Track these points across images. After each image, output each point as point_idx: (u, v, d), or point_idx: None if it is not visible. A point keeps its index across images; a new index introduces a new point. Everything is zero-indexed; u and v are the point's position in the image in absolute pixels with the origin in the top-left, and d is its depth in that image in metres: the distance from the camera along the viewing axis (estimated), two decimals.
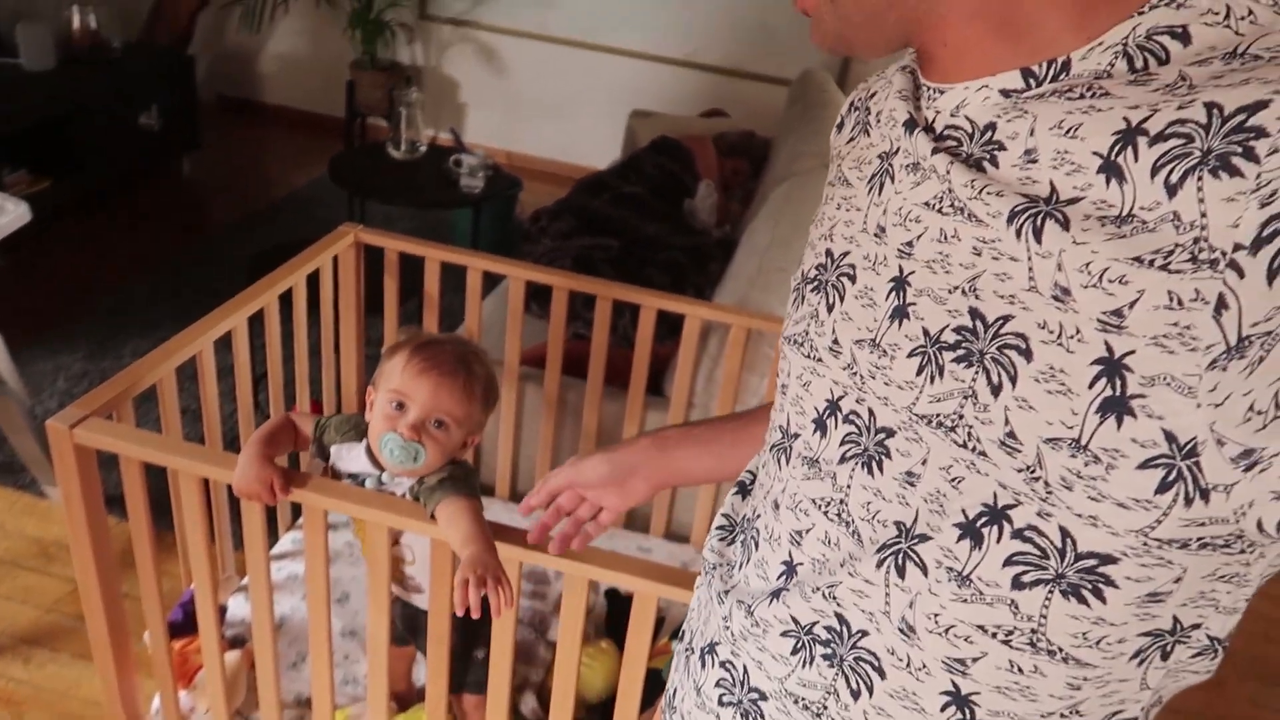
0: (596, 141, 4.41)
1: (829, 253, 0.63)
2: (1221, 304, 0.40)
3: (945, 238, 0.52)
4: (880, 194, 0.58)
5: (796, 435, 0.64)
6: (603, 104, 4.39)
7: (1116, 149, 0.44)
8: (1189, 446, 0.43)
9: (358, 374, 2.01)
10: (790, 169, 2.72)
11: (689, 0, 4.14)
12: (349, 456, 1.29)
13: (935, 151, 0.53)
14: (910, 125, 0.56)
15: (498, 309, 2.38)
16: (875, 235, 0.58)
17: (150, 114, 3.81)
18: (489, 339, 2.13)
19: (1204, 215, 0.41)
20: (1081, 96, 0.47)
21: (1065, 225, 0.45)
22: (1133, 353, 0.43)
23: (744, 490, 0.80)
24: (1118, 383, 0.44)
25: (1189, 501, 0.44)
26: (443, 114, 4.61)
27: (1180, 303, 0.41)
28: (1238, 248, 0.39)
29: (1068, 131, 0.46)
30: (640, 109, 3.99)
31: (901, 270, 0.55)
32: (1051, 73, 0.49)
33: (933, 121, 0.55)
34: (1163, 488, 0.44)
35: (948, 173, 0.52)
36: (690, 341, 1.75)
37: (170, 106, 3.88)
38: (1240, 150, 0.40)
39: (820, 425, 0.61)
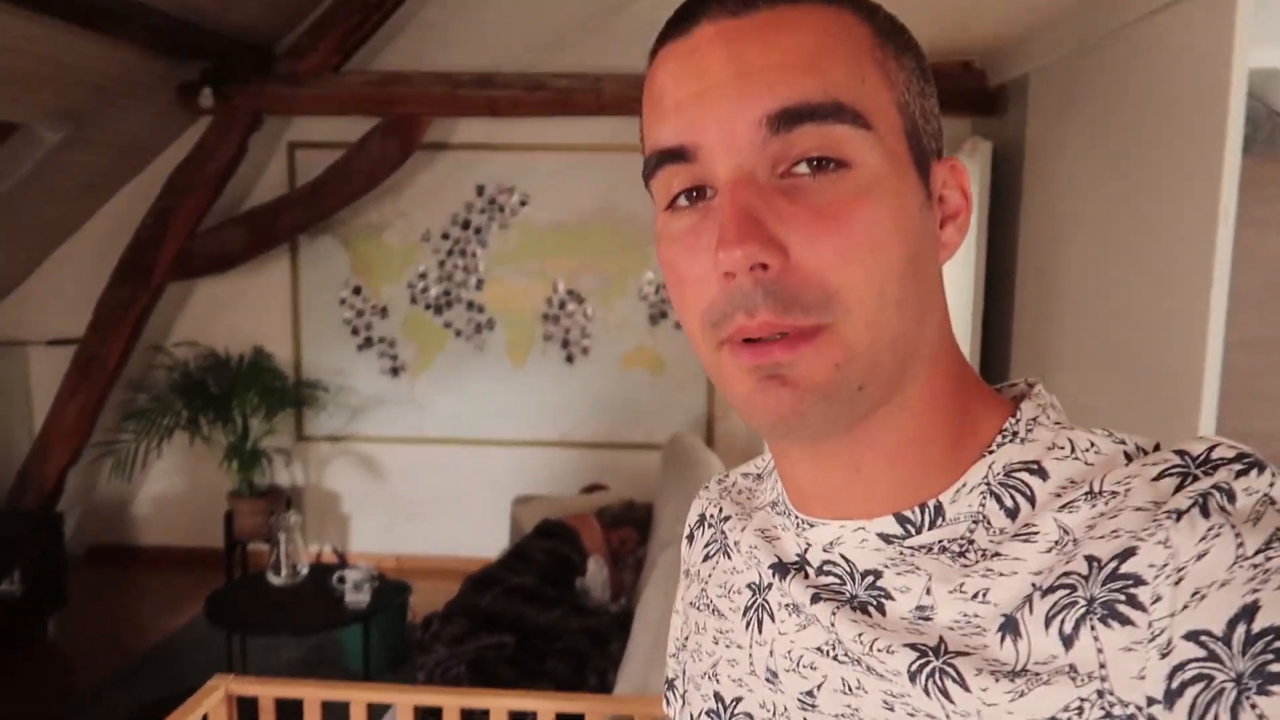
0: (483, 531, 4.42)
1: (718, 696, 0.58)
2: None
3: (849, 689, 0.49)
4: (761, 632, 0.55)
5: None
6: (485, 494, 4.47)
7: (1018, 608, 0.44)
8: None
9: None
10: (674, 532, 2.77)
11: (556, 387, 4.42)
12: None
13: (815, 600, 0.50)
14: (780, 570, 0.54)
15: None
16: (768, 681, 0.54)
17: (11, 579, 3.64)
18: None
19: (1103, 666, 0.40)
20: (977, 561, 0.46)
21: (963, 684, 0.44)
22: None
23: None
24: None
25: None
26: (326, 529, 4.58)
27: None
28: (1151, 701, 0.39)
29: (974, 595, 0.45)
30: (522, 494, 4.08)
31: None
32: (927, 519, 0.48)
33: (805, 553, 0.53)
34: None
35: (832, 624, 0.49)
36: None
37: (35, 568, 3.73)
38: (1124, 598, 0.40)
39: None
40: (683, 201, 0.48)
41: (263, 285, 4.46)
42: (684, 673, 0.64)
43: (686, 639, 0.65)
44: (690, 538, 0.68)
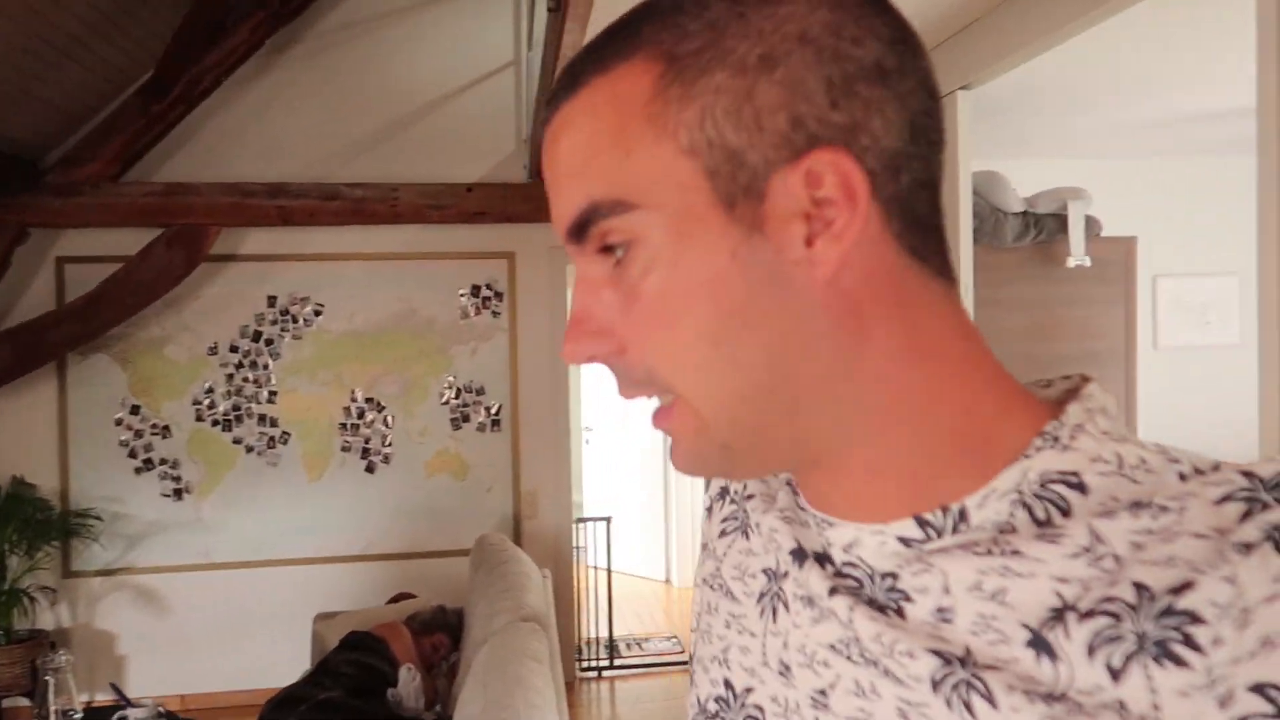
0: (280, 658, 4.16)
1: (728, 684, 0.55)
2: None
3: (863, 691, 0.46)
4: (776, 621, 0.52)
5: None
6: (282, 617, 4.22)
7: (1047, 624, 0.40)
8: None
9: None
10: (488, 630, 2.75)
11: (358, 498, 4.29)
12: None
13: (834, 592, 0.47)
14: (799, 555, 0.50)
15: None
16: (780, 673, 0.51)
17: None
18: None
19: (1157, 709, 0.37)
20: (990, 553, 0.43)
21: (991, 700, 0.40)
22: None
23: None
24: None
25: None
26: (98, 674, 4.15)
27: None
28: None
29: (992, 595, 0.42)
30: (324, 611, 3.89)
31: None
32: (950, 523, 0.45)
33: (826, 551, 0.50)
34: None
35: (850, 620, 0.46)
36: None
37: None
38: (1180, 637, 0.37)
39: None
40: None
41: (25, 408, 4.11)
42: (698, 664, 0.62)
43: (698, 616, 0.63)
44: (709, 510, 0.64)
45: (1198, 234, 4.11)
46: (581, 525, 4.75)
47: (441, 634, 3.42)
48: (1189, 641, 0.36)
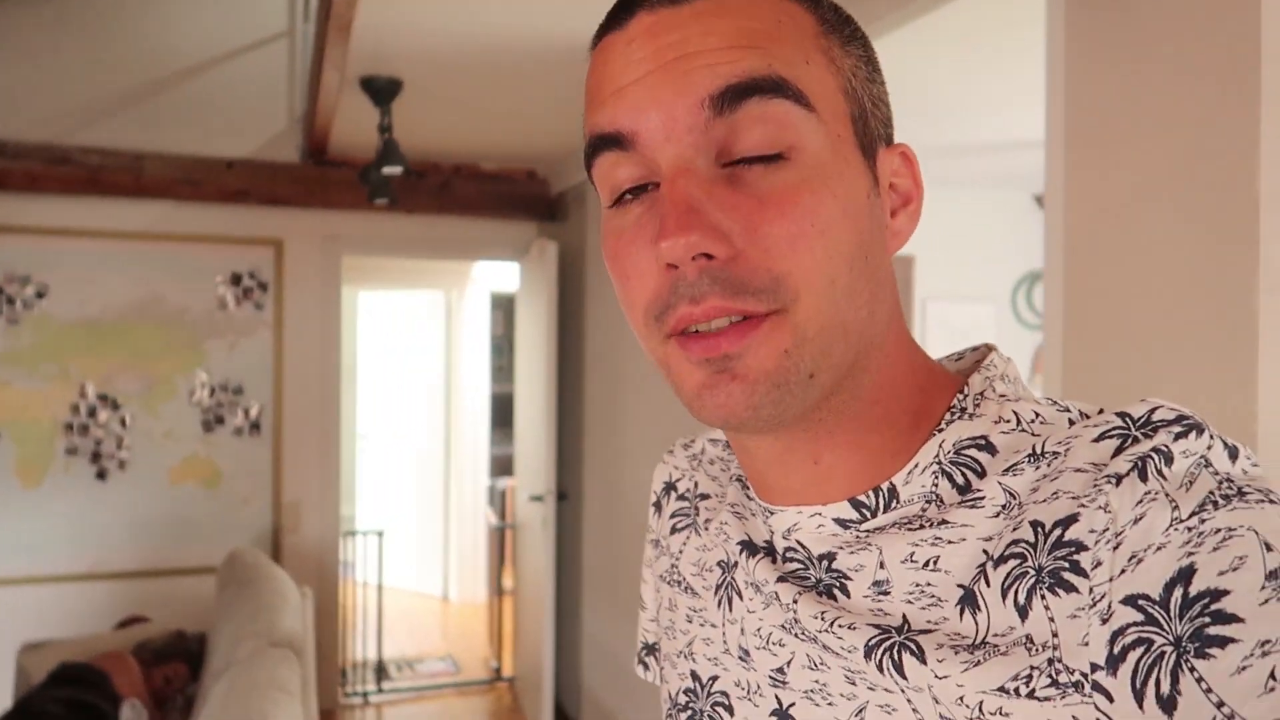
0: None
1: (695, 675, 0.58)
2: None
3: (815, 665, 0.49)
4: (732, 610, 0.55)
5: None
6: None
7: (975, 579, 0.44)
8: None
9: None
10: (231, 657, 2.42)
11: (85, 509, 3.74)
12: None
13: (780, 580, 0.51)
14: (749, 549, 0.54)
15: None
16: (741, 659, 0.54)
17: None
18: None
19: (1055, 635, 0.40)
20: (922, 527, 0.46)
21: (921, 658, 0.44)
22: None
23: None
24: None
25: None
26: None
27: None
28: (1095, 667, 0.38)
29: (925, 564, 0.46)
30: (33, 640, 3.33)
31: (780, 702, 0.51)
32: (881, 502, 0.48)
33: (770, 540, 0.53)
34: None
35: (794, 603, 0.50)
36: None
37: None
38: (1068, 565, 0.40)
39: None
40: (628, 197, 0.47)
41: None
42: (659, 649, 0.66)
43: (658, 610, 0.65)
44: (657, 505, 0.67)
45: (964, 262, 4.36)
46: (350, 539, 4.39)
47: (178, 662, 3.01)
48: (1075, 567, 0.40)
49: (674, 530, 0.64)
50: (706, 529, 0.60)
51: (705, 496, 0.62)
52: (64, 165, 3.33)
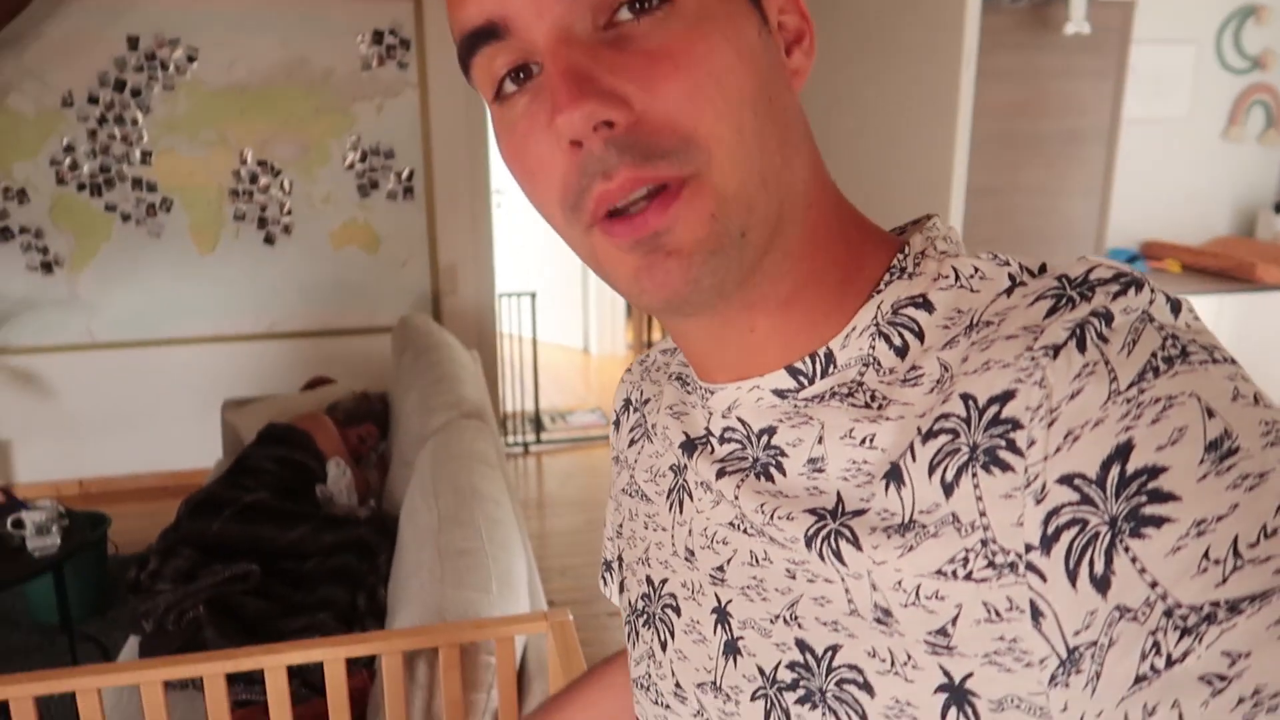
0: (189, 442, 3.92)
1: (649, 580, 0.58)
2: (1036, 612, 0.38)
3: (756, 560, 0.49)
4: (682, 512, 0.55)
5: None
6: (185, 399, 3.94)
7: (902, 454, 0.42)
8: None
9: None
10: (426, 427, 2.56)
11: (257, 273, 3.91)
12: None
13: (720, 475, 0.50)
14: (688, 448, 0.53)
15: None
16: (686, 559, 0.54)
17: None
18: None
19: (983, 515, 0.39)
20: (867, 405, 0.45)
21: (857, 544, 0.42)
22: (971, 675, 0.40)
23: None
24: (969, 710, 0.40)
25: None
26: None
27: (998, 614, 0.39)
28: (1029, 548, 0.37)
29: (862, 441, 0.44)
30: (233, 398, 3.61)
31: (719, 600, 0.51)
32: (819, 368, 0.47)
33: (709, 424, 0.52)
34: None
35: (736, 497, 0.49)
36: (395, 680, 1.47)
37: None
38: (1004, 444, 0.38)
39: None
40: (509, 86, 0.44)
41: None
42: (620, 558, 0.67)
43: (620, 525, 0.65)
44: (617, 424, 0.67)
45: None
46: (503, 301, 4.50)
47: (368, 424, 3.23)
48: (1011, 446, 0.38)
49: (630, 443, 0.63)
50: (655, 432, 0.59)
51: (647, 400, 0.62)
52: None
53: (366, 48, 3.79)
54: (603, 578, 0.74)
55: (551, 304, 5.95)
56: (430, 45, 3.84)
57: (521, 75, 0.44)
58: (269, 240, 3.89)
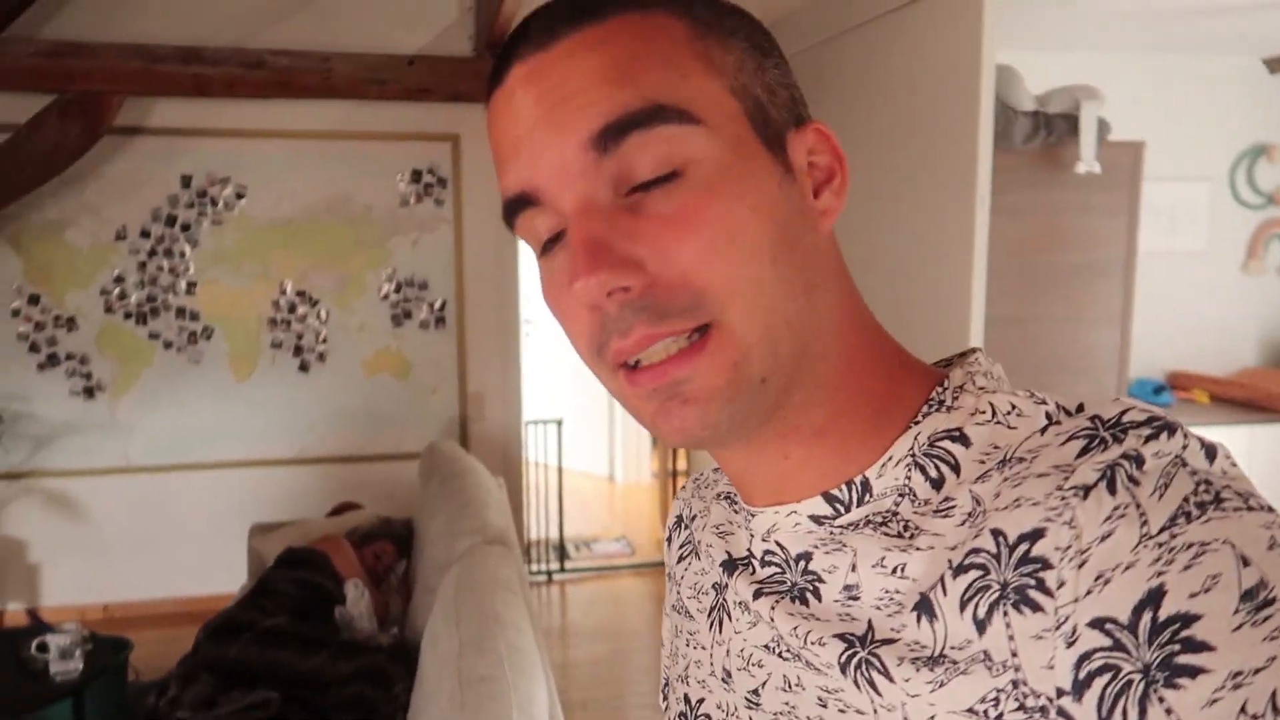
0: (215, 567, 3.92)
1: (686, 699, 0.59)
2: None
3: (789, 686, 0.49)
4: (721, 632, 0.56)
5: None
6: (213, 523, 3.96)
7: (933, 587, 0.43)
8: None
9: None
10: (451, 553, 2.56)
11: (291, 399, 3.99)
12: None
13: (758, 595, 0.51)
14: (730, 566, 0.54)
15: None
16: (723, 680, 0.55)
17: None
18: None
19: (1015, 655, 0.39)
20: (900, 535, 0.45)
21: (888, 674, 0.43)
22: None
23: None
24: None
25: None
26: (9, 582, 3.85)
27: None
28: (1060, 693, 0.37)
29: (894, 570, 0.45)
30: (261, 522, 3.64)
31: None
32: (854, 496, 0.48)
33: (750, 546, 0.53)
34: None
35: (772, 619, 0.50)
36: None
37: None
38: (1034, 583, 0.39)
39: None
40: (554, 246, 0.48)
41: None
42: (668, 678, 0.67)
43: (671, 642, 0.66)
44: (669, 540, 0.68)
45: (1177, 136, 3.97)
46: (529, 426, 4.55)
47: (384, 541, 3.23)
48: (1041, 586, 0.38)
49: (679, 559, 0.65)
50: (701, 553, 0.60)
51: (695, 517, 0.64)
52: (257, 69, 3.39)
53: (405, 186, 3.97)
54: (662, 692, 0.74)
55: (578, 431, 5.98)
56: (466, 184, 4.02)
57: (561, 233, 0.47)
58: (304, 368, 4.00)
